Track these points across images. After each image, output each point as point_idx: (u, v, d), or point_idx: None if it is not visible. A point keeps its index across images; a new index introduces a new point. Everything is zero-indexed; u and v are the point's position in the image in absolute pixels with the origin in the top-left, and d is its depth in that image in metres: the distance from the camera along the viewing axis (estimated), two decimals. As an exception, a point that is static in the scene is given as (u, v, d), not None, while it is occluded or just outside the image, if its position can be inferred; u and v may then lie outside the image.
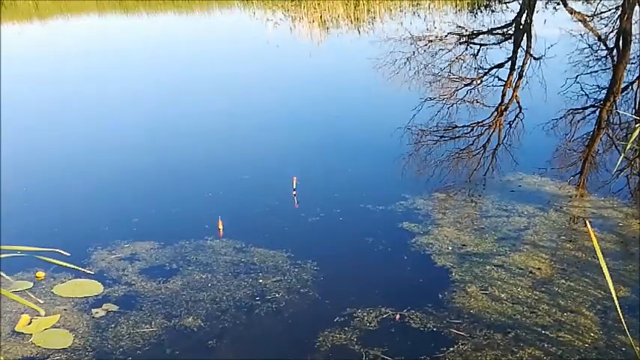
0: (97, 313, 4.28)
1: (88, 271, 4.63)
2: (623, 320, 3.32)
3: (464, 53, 12.25)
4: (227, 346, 3.93)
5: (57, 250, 3.45)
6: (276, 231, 5.38)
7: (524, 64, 11.33)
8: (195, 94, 10.61)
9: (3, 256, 3.48)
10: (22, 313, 4.25)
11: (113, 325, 4.14)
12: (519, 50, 12.55)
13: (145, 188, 6.51)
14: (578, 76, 10.05)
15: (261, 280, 4.60)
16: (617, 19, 14.41)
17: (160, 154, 7.55)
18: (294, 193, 6.04)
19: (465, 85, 9.95)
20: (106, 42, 17.08)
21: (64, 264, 3.47)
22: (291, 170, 6.38)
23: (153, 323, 4.15)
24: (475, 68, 11.11)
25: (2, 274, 3.96)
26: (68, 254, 3.62)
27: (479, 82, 10.21)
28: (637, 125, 5.33)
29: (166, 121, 9.07)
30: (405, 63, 11.55)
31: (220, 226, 5.38)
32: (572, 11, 16.35)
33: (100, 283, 4.61)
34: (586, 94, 9.15)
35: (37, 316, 4.19)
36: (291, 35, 16.58)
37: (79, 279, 4.64)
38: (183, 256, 4.98)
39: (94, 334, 4.06)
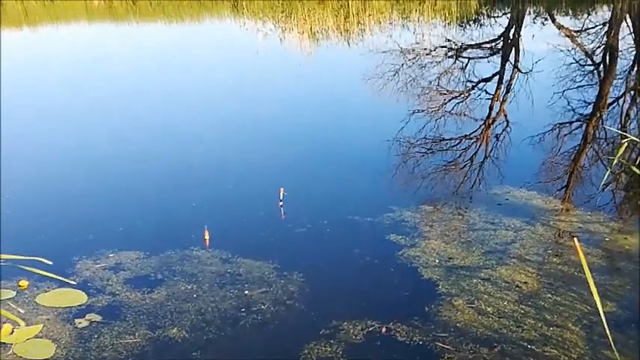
0: (80, 323, 4.23)
1: (71, 282, 4.57)
2: (609, 335, 3.31)
3: (452, 66, 12.30)
4: (212, 358, 3.89)
5: (39, 259, 3.42)
6: (262, 242, 5.35)
7: (511, 78, 11.39)
8: (183, 103, 10.58)
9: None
10: (5, 322, 4.19)
11: (96, 336, 4.09)
12: (507, 64, 12.62)
13: (131, 197, 6.47)
14: (565, 90, 10.11)
15: (246, 292, 4.57)
16: (603, 34, 14.55)
17: (146, 162, 7.51)
18: (281, 204, 6.02)
19: (453, 98, 9.99)
20: (95, 50, 17.01)
21: (47, 274, 3.44)
22: (279, 181, 6.35)
23: (137, 334, 4.11)
24: (463, 81, 11.16)
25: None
26: (50, 262, 3.58)
27: (467, 95, 10.24)
28: (623, 141, 5.35)
29: (153, 130, 9.02)
30: (393, 75, 11.57)
31: (206, 237, 5.35)
32: (559, 26, 16.49)
33: (83, 293, 4.56)
34: (573, 109, 9.20)
35: (20, 325, 4.13)
36: (281, 46, 16.59)
37: (63, 288, 4.58)
38: (169, 267, 4.94)
39: (76, 344, 4.01)
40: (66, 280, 4.36)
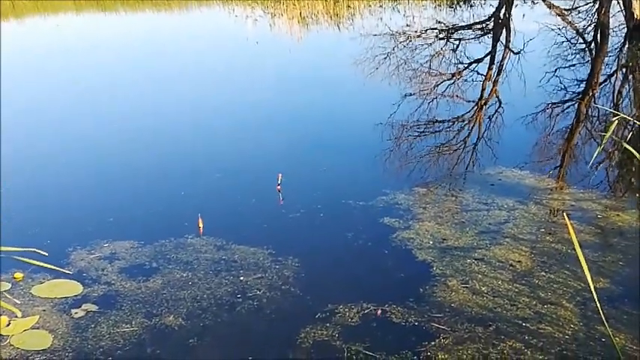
0: (76, 313, 4.24)
1: (67, 271, 4.58)
2: (601, 311, 3.34)
3: (443, 48, 12.29)
4: (208, 344, 3.91)
5: (34, 250, 3.42)
6: (256, 228, 5.36)
7: (503, 58, 11.39)
8: (174, 91, 10.55)
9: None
10: (1, 314, 4.20)
11: (93, 325, 4.10)
12: (498, 45, 12.61)
13: (124, 186, 6.46)
14: (556, 69, 10.12)
15: (242, 278, 4.58)
16: (594, 12, 14.51)
17: (138, 151, 7.49)
18: (279, 188, 6.02)
19: (445, 80, 9.99)
20: (84, 40, 16.93)
21: (43, 264, 3.44)
22: (271, 167, 6.36)
23: (133, 322, 4.12)
24: (455, 63, 11.16)
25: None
26: (46, 254, 3.59)
27: (459, 76, 10.24)
28: (614, 118, 5.35)
29: (145, 118, 8.99)
30: (385, 58, 11.56)
31: (200, 224, 5.35)
32: (550, 5, 16.44)
33: (79, 284, 4.56)
34: (565, 88, 9.22)
35: (16, 317, 4.14)
36: (270, 32, 16.54)
37: (58, 279, 4.58)
38: (164, 255, 4.95)
39: (73, 334, 4.02)
40: (61, 269, 4.36)
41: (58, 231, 5.47)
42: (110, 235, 5.29)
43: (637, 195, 5.77)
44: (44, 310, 4.27)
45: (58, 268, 4.10)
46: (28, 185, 6.53)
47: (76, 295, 4.44)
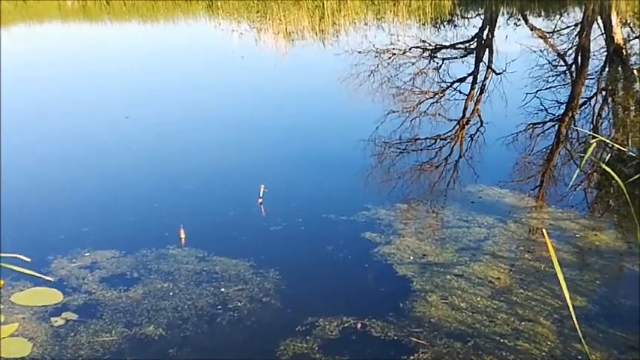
0: (56, 321, 4.22)
1: (48, 278, 4.57)
2: (579, 329, 3.39)
3: (427, 67, 12.40)
4: (188, 355, 3.91)
5: (17, 256, 3.41)
6: (238, 240, 5.38)
7: (485, 78, 11.51)
8: (157, 102, 10.55)
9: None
10: (-21, 321, 4.18)
11: (72, 334, 4.09)
12: (481, 65, 12.75)
13: (106, 196, 6.46)
14: (537, 91, 10.23)
15: (223, 289, 4.60)
16: (575, 35, 14.74)
17: (122, 161, 7.49)
18: (260, 201, 6.04)
19: (428, 99, 10.07)
20: (68, 50, 16.89)
21: (23, 270, 3.44)
22: (254, 180, 6.38)
23: (113, 332, 4.11)
24: (438, 82, 11.25)
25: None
26: (28, 259, 3.58)
27: (441, 95, 10.33)
28: (592, 140, 5.45)
29: (128, 129, 8.99)
30: (368, 76, 11.64)
31: (182, 235, 5.36)
32: (532, 27, 16.67)
33: (59, 292, 4.55)
34: (545, 109, 9.32)
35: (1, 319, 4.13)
36: (256, 46, 16.60)
37: (38, 287, 4.57)
38: (145, 265, 4.95)
39: (52, 342, 4.00)
40: (44, 276, 4.35)
41: (38, 239, 5.46)
42: (91, 244, 5.28)
43: (615, 215, 5.86)
44: (24, 318, 4.26)
45: (39, 275, 4.09)
46: (9, 193, 6.49)
47: (56, 304, 4.43)
